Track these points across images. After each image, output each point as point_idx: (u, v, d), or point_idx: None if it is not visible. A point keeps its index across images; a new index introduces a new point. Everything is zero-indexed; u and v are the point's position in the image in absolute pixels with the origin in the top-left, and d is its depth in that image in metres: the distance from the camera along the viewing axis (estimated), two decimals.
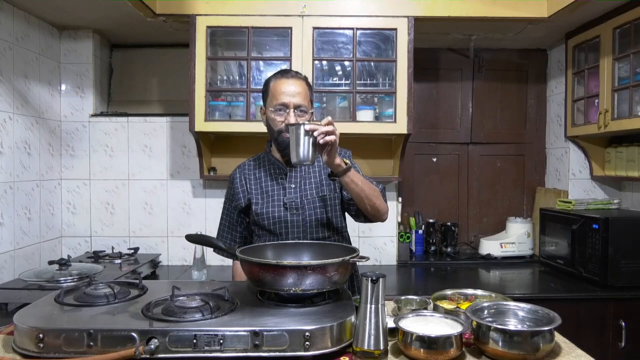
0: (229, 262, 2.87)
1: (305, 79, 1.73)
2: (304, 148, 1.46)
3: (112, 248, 2.82)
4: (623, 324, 2.30)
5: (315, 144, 1.46)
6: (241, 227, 1.85)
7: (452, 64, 3.24)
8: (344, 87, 2.71)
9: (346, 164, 1.54)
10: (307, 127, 1.44)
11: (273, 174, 1.78)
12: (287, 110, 1.65)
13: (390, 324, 1.29)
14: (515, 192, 3.32)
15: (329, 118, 1.48)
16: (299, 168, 1.76)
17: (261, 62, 2.74)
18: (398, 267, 2.95)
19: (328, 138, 1.45)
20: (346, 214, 1.85)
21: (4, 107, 2.37)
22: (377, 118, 2.71)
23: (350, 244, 1.87)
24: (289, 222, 1.73)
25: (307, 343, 1.16)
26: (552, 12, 2.52)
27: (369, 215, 1.71)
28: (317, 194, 1.74)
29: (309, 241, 1.68)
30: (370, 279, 1.22)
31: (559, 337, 1.34)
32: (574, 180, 3.00)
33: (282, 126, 1.65)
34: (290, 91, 1.66)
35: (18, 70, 2.47)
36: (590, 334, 2.30)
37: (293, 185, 1.75)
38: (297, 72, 1.74)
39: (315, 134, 1.44)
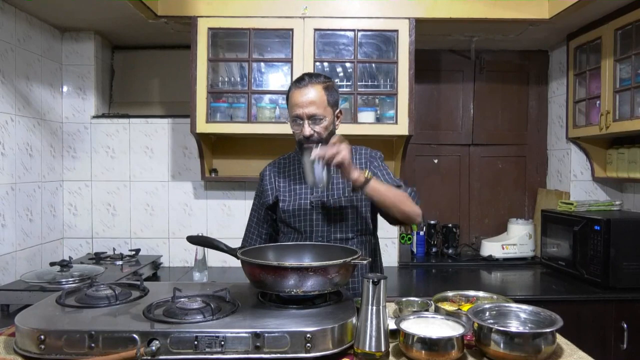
0: (230, 263, 2.88)
1: (323, 82, 1.69)
2: (317, 172, 1.56)
3: (114, 249, 2.82)
4: (625, 325, 2.29)
5: (328, 165, 1.53)
6: (267, 224, 1.89)
7: (453, 65, 3.24)
8: (345, 89, 2.71)
9: (366, 176, 1.56)
10: (314, 155, 1.52)
11: (301, 172, 1.79)
12: (302, 122, 1.66)
13: (392, 325, 1.28)
14: (516, 193, 3.31)
15: (337, 136, 1.54)
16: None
17: (262, 64, 2.75)
18: (399, 269, 2.95)
19: (337, 160, 1.50)
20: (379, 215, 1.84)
21: (6, 108, 2.37)
22: (378, 119, 2.71)
23: (377, 247, 1.88)
24: (314, 221, 1.74)
25: (308, 345, 1.16)
26: (553, 13, 2.52)
27: (400, 219, 1.71)
28: (344, 194, 1.75)
29: (310, 243, 1.69)
30: (371, 280, 1.22)
31: (560, 339, 1.33)
32: (576, 182, 2.99)
33: (301, 137, 1.67)
34: (302, 102, 1.65)
35: (20, 71, 2.48)
36: (592, 336, 2.29)
37: (320, 185, 1.74)
38: (313, 77, 1.69)
39: (325, 160, 1.51)
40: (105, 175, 2.94)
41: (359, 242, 1.77)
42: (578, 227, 2.51)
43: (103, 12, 2.53)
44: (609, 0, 2.35)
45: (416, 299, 1.61)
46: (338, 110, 1.75)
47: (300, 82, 1.69)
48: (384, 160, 1.83)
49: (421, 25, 2.61)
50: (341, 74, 2.78)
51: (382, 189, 1.61)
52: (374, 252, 1.87)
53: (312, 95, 1.65)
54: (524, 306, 1.39)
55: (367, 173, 1.58)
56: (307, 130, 1.64)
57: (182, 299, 1.33)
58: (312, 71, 2.53)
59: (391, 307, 1.58)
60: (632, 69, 2.39)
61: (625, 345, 2.29)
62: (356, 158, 1.80)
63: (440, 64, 3.24)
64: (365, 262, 1.37)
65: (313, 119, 1.65)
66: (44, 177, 2.71)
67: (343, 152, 1.51)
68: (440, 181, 3.29)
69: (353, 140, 2.99)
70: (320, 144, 1.58)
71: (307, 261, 1.51)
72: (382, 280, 1.22)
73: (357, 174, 1.56)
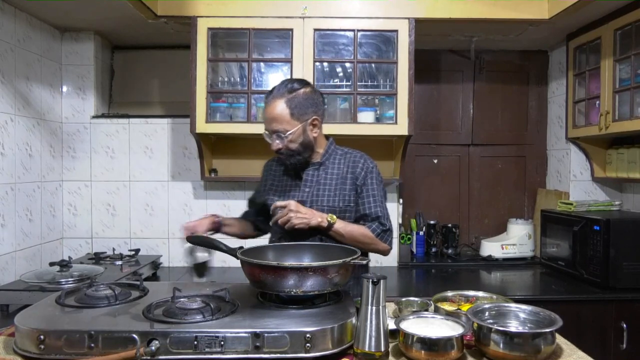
0: (230, 263, 2.88)
1: (287, 94, 1.67)
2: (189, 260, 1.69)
3: (113, 249, 2.82)
4: (624, 325, 2.29)
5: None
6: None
7: (453, 66, 3.24)
8: (344, 89, 2.71)
9: (329, 220, 1.65)
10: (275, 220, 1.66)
11: (292, 173, 1.82)
12: (270, 136, 1.71)
13: (391, 325, 1.29)
14: (516, 193, 3.31)
15: (288, 202, 1.64)
16: (315, 172, 1.79)
17: (262, 64, 2.75)
18: (399, 269, 2.95)
19: (289, 227, 1.62)
20: None
21: (6, 108, 2.37)
22: (378, 119, 2.71)
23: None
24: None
25: (308, 344, 1.16)
26: (553, 13, 2.52)
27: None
28: (328, 202, 1.74)
29: (310, 243, 1.68)
30: (371, 280, 1.22)
31: (560, 339, 1.34)
32: (575, 182, 2.99)
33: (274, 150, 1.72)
34: (266, 118, 1.71)
35: (19, 71, 2.48)
36: (592, 336, 2.29)
37: (307, 189, 1.77)
38: (279, 89, 1.68)
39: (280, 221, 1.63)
40: (105, 175, 2.94)
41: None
42: (578, 227, 2.51)
43: (103, 12, 2.53)
44: (608, 1, 2.35)
45: (416, 299, 1.61)
46: (312, 118, 1.71)
47: (267, 96, 1.71)
48: (379, 173, 1.82)
49: (421, 26, 2.61)
50: (341, 74, 2.78)
51: (345, 232, 1.68)
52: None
53: (274, 111, 1.67)
54: (524, 306, 1.40)
55: (330, 217, 1.66)
56: (273, 145, 1.70)
57: (181, 299, 1.33)
58: (312, 71, 2.55)
59: (391, 307, 1.58)
60: (632, 69, 2.39)
61: (624, 345, 2.29)
62: (349, 165, 1.78)
63: (440, 64, 3.24)
64: (365, 262, 1.38)
65: (277, 134, 1.68)
66: (44, 177, 2.71)
67: (293, 221, 1.61)
68: (440, 181, 3.29)
69: (353, 141, 3.00)
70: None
71: (306, 261, 1.52)
72: (381, 280, 1.22)
73: (319, 220, 1.65)
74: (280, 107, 1.66)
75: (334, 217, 1.67)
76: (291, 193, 1.79)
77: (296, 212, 1.63)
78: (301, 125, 1.69)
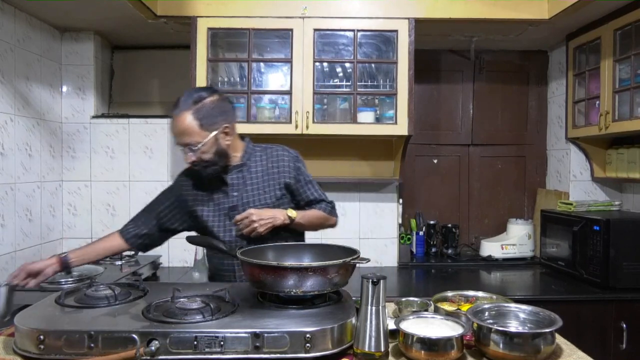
0: None
1: (193, 105, 1.61)
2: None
3: None
4: (624, 325, 2.29)
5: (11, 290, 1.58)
6: (157, 220, 1.80)
7: (453, 66, 3.24)
8: (344, 89, 2.71)
9: (290, 215, 1.69)
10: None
11: (216, 179, 1.76)
12: (184, 149, 1.66)
13: (391, 325, 1.29)
14: (516, 193, 3.31)
15: (248, 212, 1.65)
16: (239, 175, 1.76)
17: (262, 64, 2.75)
18: (399, 269, 2.95)
19: (255, 234, 1.64)
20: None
21: (5, 108, 2.37)
22: (378, 119, 2.71)
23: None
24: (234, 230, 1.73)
25: (307, 345, 1.16)
26: (552, 13, 2.52)
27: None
28: (260, 201, 1.74)
29: (309, 243, 1.69)
30: (371, 280, 1.22)
31: (560, 339, 1.34)
32: (575, 182, 2.99)
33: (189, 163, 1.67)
34: (175, 132, 1.65)
35: (19, 71, 2.48)
36: (591, 336, 2.29)
37: (235, 194, 1.75)
38: (184, 101, 1.62)
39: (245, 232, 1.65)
40: (104, 176, 2.94)
41: (286, 238, 1.77)
42: (577, 227, 2.51)
43: (103, 12, 2.53)
44: (608, 1, 2.35)
45: (416, 299, 1.61)
46: (223, 126, 1.67)
47: (173, 109, 1.64)
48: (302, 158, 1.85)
49: (421, 26, 2.61)
50: (341, 74, 2.78)
51: (305, 221, 1.75)
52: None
53: (182, 125, 1.61)
54: (524, 306, 1.40)
55: (289, 212, 1.69)
56: (187, 158, 1.65)
57: (181, 299, 1.33)
58: (312, 71, 2.55)
59: (391, 307, 1.58)
60: (632, 69, 2.39)
61: (624, 345, 2.29)
62: (273, 160, 1.78)
63: (440, 64, 3.24)
64: (364, 262, 1.38)
65: (189, 147, 1.63)
66: (44, 177, 2.71)
67: (259, 229, 1.63)
68: (440, 181, 3.29)
69: (353, 141, 2.99)
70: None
71: (306, 261, 1.52)
72: (381, 281, 1.22)
73: (282, 219, 1.67)
74: (188, 119, 1.60)
75: (293, 211, 1.71)
76: (220, 200, 1.75)
77: (259, 219, 1.64)
78: (212, 135, 1.64)
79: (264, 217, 1.65)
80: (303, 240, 1.88)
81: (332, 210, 1.84)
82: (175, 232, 1.84)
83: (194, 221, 1.80)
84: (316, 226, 1.83)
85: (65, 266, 1.67)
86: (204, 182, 1.77)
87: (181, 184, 1.83)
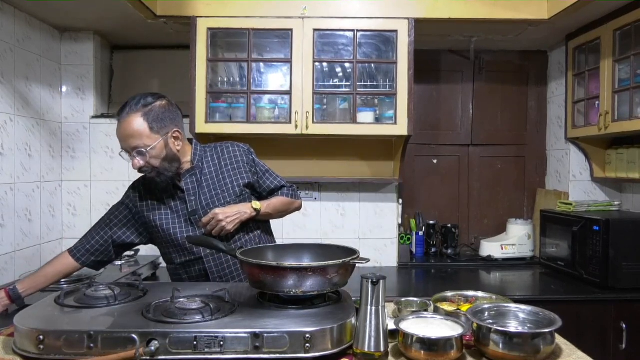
0: None
1: (142, 108, 1.59)
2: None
3: None
4: (624, 325, 2.29)
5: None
6: (111, 235, 1.76)
7: (453, 66, 3.24)
8: (344, 89, 2.71)
9: (255, 207, 1.70)
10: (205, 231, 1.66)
11: (170, 186, 1.72)
12: (130, 154, 1.61)
13: (391, 325, 1.28)
14: (515, 193, 3.31)
15: (213, 212, 1.64)
16: (193, 178, 1.73)
17: (262, 64, 2.75)
18: (398, 269, 2.95)
19: (225, 232, 1.65)
20: None
21: (5, 108, 2.37)
22: (378, 120, 2.71)
23: (266, 232, 1.87)
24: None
25: (307, 345, 1.16)
26: (552, 13, 2.52)
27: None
28: (220, 201, 1.72)
29: (309, 242, 1.69)
30: (370, 280, 1.22)
31: (559, 339, 1.34)
32: (575, 182, 2.99)
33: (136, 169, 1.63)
34: (122, 136, 1.60)
35: (19, 72, 2.48)
36: (591, 336, 2.29)
37: (193, 198, 1.72)
38: (133, 105, 1.59)
39: (214, 232, 1.64)
40: (104, 176, 2.94)
41: (253, 237, 1.78)
42: (577, 227, 2.51)
43: (102, 12, 2.53)
44: (608, 1, 2.35)
45: (415, 299, 1.61)
46: (173, 130, 1.64)
47: (120, 113, 1.60)
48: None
49: (421, 26, 2.61)
50: (340, 74, 2.78)
51: (271, 210, 1.77)
52: (266, 238, 1.87)
53: (131, 127, 1.57)
54: (523, 306, 1.40)
55: (254, 204, 1.71)
56: (135, 163, 1.60)
57: (181, 299, 1.33)
58: (311, 71, 2.55)
59: (390, 307, 1.58)
60: (631, 70, 2.39)
61: (624, 346, 2.29)
62: (225, 158, 1.77)
63: (439, 64, 3.24)
64: (364, 262, 1.38)
65: (137, 150, 1.58)
66: (43, 177, 2.71)
67: (228, 227, 1.64)
68: (440, 181, 3.29)
69: (352, 141, 2.99)
70: None
71: (306, 261, 1.51)
72: (381, 281, 1.22)
73: (248, 213, 1.69)
74: (138, 122, 1.57)
75: (257, 202, 1.72)
76: (178, 207, 1.72)
77: (225, 217, 1.63)
78: (162, 139, 1.61)
79: (229, 214, 1.64)
80: (269, 227, 1.90)
81: (294, 193, 1.86)
82: (131, 246, 1.82)
83: (152, 232, 1.76)
84: (283, 212, 1.85)
85: (15, 298, 1.63)
86: (157, 191, 1.73)
87: (133, 195, 1.77)
